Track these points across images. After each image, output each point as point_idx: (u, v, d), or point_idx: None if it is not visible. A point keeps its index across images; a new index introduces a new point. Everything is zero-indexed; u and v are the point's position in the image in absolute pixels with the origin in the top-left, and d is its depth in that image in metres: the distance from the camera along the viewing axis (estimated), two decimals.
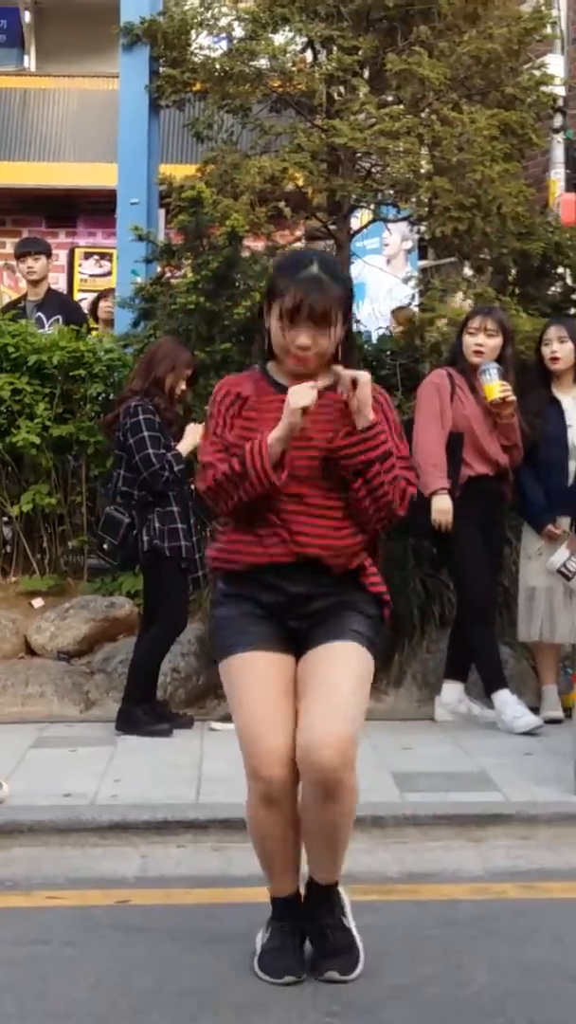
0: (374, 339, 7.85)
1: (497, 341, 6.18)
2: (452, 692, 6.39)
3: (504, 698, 6.10)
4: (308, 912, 3.45)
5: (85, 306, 9.30)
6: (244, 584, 3.42)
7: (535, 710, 6.22)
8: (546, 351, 6.40)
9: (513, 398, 6.10)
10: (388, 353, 7.55)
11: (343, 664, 3.33)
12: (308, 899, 3.46)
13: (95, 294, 9.69)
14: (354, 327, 3.85)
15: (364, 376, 3.34)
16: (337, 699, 3.25)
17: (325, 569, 3.38)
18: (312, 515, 3.37)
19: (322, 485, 3.37)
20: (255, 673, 3.34)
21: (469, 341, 6.21)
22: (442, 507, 6.03)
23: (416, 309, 7.89)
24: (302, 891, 3.48)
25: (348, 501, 3.37)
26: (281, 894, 3.46)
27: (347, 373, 3.33)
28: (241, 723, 3.33)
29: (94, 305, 9.21)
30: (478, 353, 6.17)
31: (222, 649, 3.43)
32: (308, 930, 3.45)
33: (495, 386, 6.06)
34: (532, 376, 6.53)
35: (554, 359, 6.37)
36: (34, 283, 8.31)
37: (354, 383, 3.32)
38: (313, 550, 3.35)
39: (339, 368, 3.35)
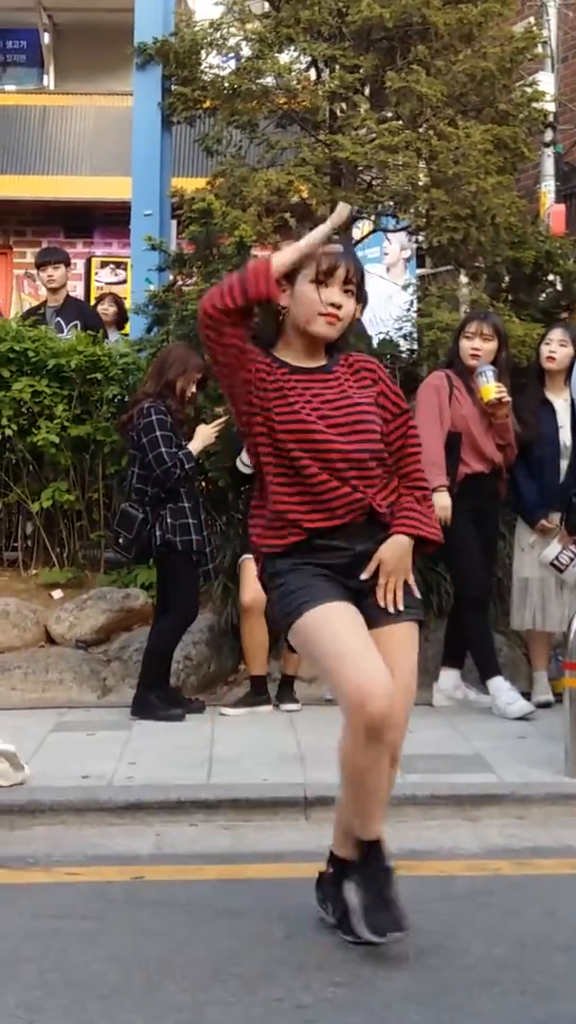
0: (375, 343, 7.84)
1: (493, 345, 6.17)
2: (449, 679, 6.39)
3: (498, 684, 6.10)
4: (319, 884, 3.54)
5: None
6: (302, 554, 3.38)
7: (527, 695, 6.23)
8: (544, 350, 6.40)
9: (508, 399, 6.09)
10: (388, 357, 7.55)
11: (408, 647, 3.41)
12: (320, 876, 3.54)
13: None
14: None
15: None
16: (405, 683, 3.35)
17: (383, 525, 3.42)
18: (364, 470, 3.39)
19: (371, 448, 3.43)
20: (340, 620, 3.29)
21: (466, 345, 6.20)
22: (442, 503, 6.02)
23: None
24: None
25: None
26: (374, 836, 3.38)
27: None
28: (339, 664, 3.23)
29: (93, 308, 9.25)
30: (475, 356, 6.16)
31: (293, 612, 3.33)
32: (321, 900, 3.53)
33: (491, 388, 6.05)
34: (529, 377, 6.53)
35: (550, 358, 6.37)
36: (54, 291, 8.31)
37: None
38: (375, 503, 3.39)
39: None
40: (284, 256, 3.38)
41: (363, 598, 3.40)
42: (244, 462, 6.07)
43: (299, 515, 3.37)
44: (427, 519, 3.51)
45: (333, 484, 3.36)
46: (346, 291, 3.40)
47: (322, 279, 3.37)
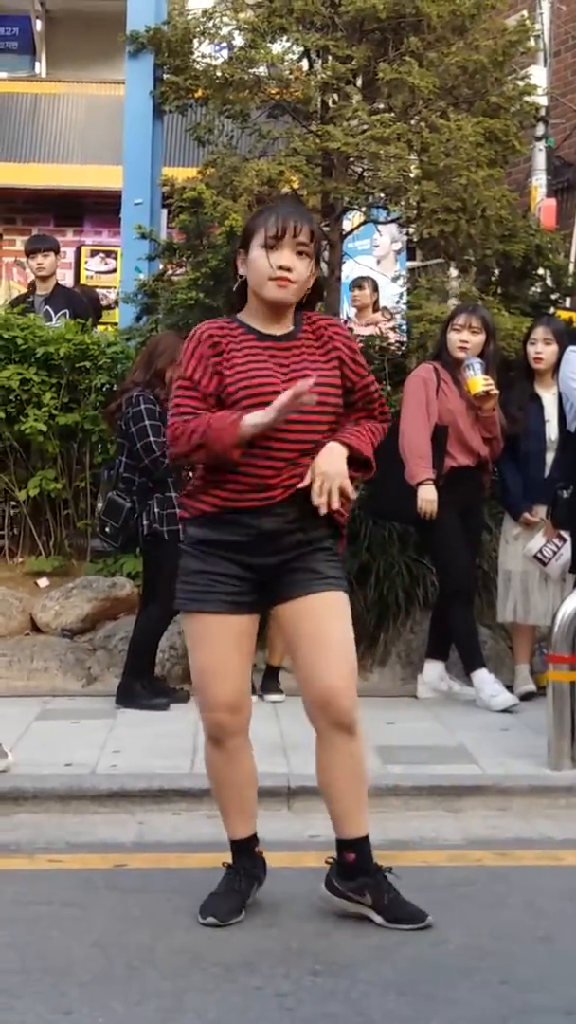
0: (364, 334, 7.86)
1: (481, 338, 6.18)
2: (433, 670, 6.40)
3: (482, 677, 6.11)
4: (366, 870, 3.52)
5: None
6: (205, 526, 3.42)
7: (510, 687, 6.25)
8: (531, 350, 6.41)
9: (495, 392, 6.10)
10: (376, 348, 7.56)
11: (334, 614, 3.44)
12: (360, 862, 3.52)
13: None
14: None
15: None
16: (340, 649, 3.42)
17: (298, 504, 3.40)
18: (290, 453, 3.37)
19: (314, 424, 3.41)
20: (210, 637, 3.44)
21: (454, 338, 6.20)
22: (428, 496, 6.04)
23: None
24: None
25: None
26: (232, 836, 3.63)
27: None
28: (193, 668, 3.53)
29: None
30: (462, 349, 6.16)
31: (186, 600, 3.47)
32: (373, 890, 3.51)
33: (478, 380, 6.06)
34: (517, 372, 6.55)
35: (538, 359, 6.38)
36: (43, 279, 8.29)
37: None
38: (296, 484, 3.38)
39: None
40: (251, 420, 3.28)
41: (273, 577, 3.42)
42: None
43: (229, 489, 3.38)
44: (366, 440, 3.49)
45: (269, 465, 3.36)
46: (299, 253, 3.38)
47: (271, 243, 3.37)
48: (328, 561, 3.46)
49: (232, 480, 3.37)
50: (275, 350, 3.43)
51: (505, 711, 5.97)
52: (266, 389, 3.34)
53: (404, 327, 7.92)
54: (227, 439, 3.29)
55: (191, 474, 3.52)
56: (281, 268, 3.36)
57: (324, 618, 3.43)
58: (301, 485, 3.37)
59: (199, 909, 3.55)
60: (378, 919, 3.50)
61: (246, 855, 3.63)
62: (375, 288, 9.41)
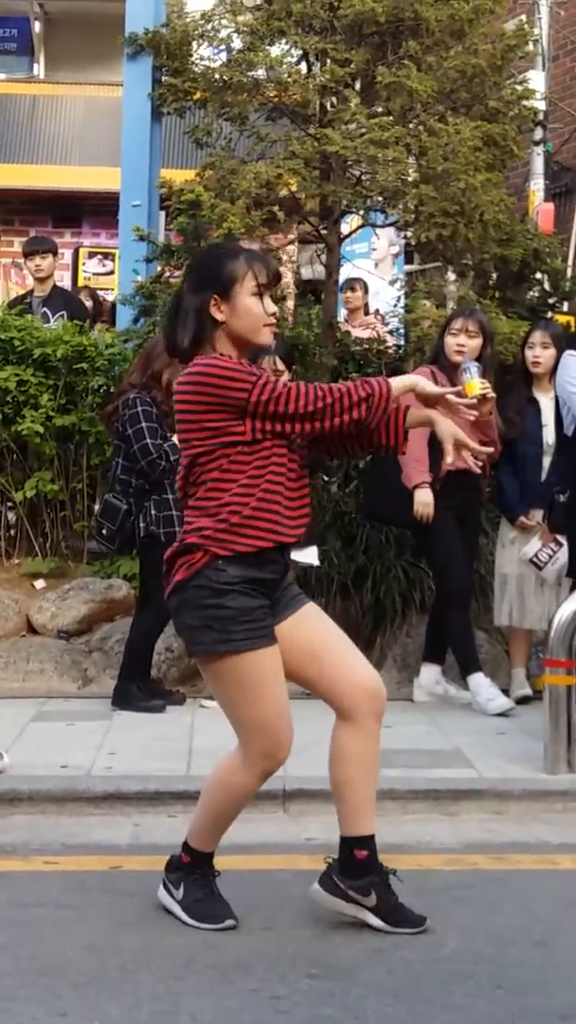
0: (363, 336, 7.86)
1: (478, 342, 6.18)
2: (430, 674, 6.40)
3: (479, 680, 6.11)
4: (376, 869, 3.52)
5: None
6: (251, 565, 3.38)
7: (507, 691, 6.25)
8: (529, 354, 6.42)
9: (492, 395, 6.09)
10: (374, 352, 7.56)
11: (326, 617, 3.60)
12: (371, 860, 3.51)
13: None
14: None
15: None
16: (350, 643, 3.56)
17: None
18: (304, 489, 3.49)
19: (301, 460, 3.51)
20: (276, 668, 3.41)
21: (451, 341, 6.20)
22: (424, 500, 6.04)
23: None
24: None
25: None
26: (211, 850, 3.61)
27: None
28: (262, 713, 3.40)
29: None
30: (459, 352, 6.16)
31: (251, 639, 3.36)
32: (380, 890, 3.50)
33: (475, 383, 6.03)
34: (514, 376, 6.54)
35: (535, 363, 6.39)
36: (41, 280, 8.29)
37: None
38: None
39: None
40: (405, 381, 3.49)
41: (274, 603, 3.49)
42: None
43: (278, 523, 3.39)
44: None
45: (304, 493, 3.48)
46: (271, 296, 3.53)
47: (263, 291, 3.45)
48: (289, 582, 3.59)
49: (285, 513, 3.39)
50: None
51: (501, 715, 5.97)
52: None
53: (401, 331, 7.91)
54: (386, 389, 3.39)
55: (223, 513, 3.36)
56: (273, 315, 3.48)
57: (327, 623, 3.56)
58: (450, 460, 3.62)
59: (198, 919, 3.51)
60: (375, 922, 3.49)
61: (208, 865, 3.62)
62: (366, 290, 9.42)
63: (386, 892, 3.51)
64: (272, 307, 3.48)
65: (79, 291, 9.17)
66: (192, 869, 3.59)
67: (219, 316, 3.44)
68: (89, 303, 9.09)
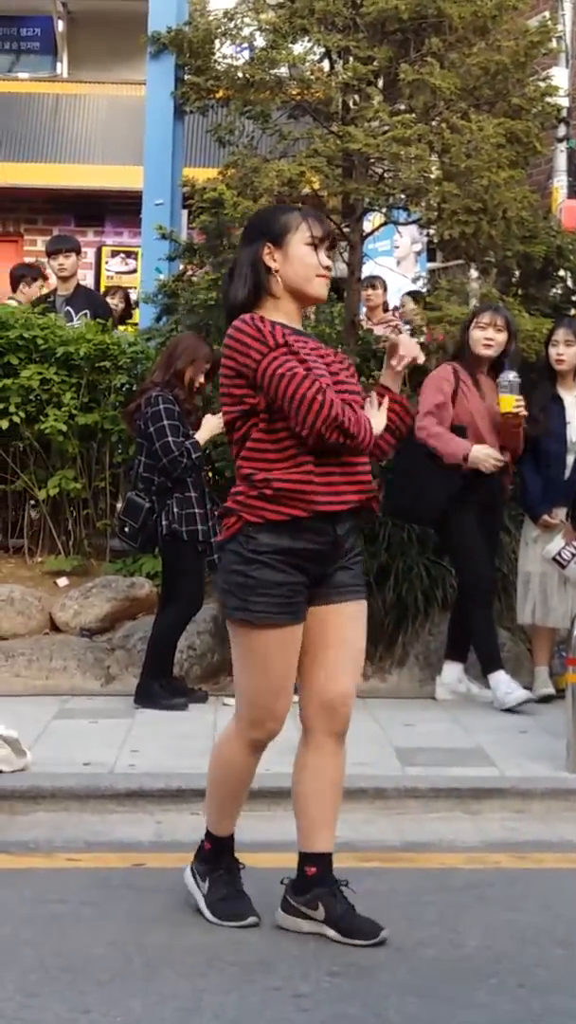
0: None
1: (504, 336, 6.17)
2: (452, 672, 6.39)
3: (499, 677, 6.10)
4: (323, 882, 3.46)
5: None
6: (284, 534, 3.32)
7: (530, 689, 6.24)
8: (552, 352, 6.40)
9: (524, 414, 6.09)
10: None
11: (361, 624, 3.50)
12: (319, 875, 3.46)
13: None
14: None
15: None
16: (358, 659, 3.51)
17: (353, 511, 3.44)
18: (360, 455, 3.44)
19: None
20: (288, 646, 3.38)
21: (478, 335, 6.18)
22: (482, 455, 6.02)
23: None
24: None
25: None
26: (227, 832, 3.58)
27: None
28: (261, 684, 3.40)
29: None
30: (487, 346, 6.15)
31: (268, 613, 3.33)
32: (327, 900, 3.44)
33: (511, 399, 6.04)
34: (538, 374, 6.53)
35: (559, 360, 6.37)
36: (64, 279, 8.31)
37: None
38: (372, 491, 3.45)
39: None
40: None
41: (324, 579, 3.41)
42: None
43: (312, 491, 3.30)
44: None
45: (360, 458, 3.43)
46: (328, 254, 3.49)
47: (317, 243, 3.44)
48: (357, 567, 3.51)
49: (320, 480, 3.31)
50: (314, 344, 3.50)
51: (514, 710, 5.94)
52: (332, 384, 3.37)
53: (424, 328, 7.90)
54: (367, 440, 3.39)
55: (257, 479, 3.33)
56: (327, 268, 3.45)
57: (350, 627, 3.47)
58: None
59: (221, 917, 3.49)
60: (331, 933, 3.42)
61: (230, 852, 3.60)
62: (386, 288, 9.41)
63: (333, 902, 3.44)
64: (327, 260, 3.46)
65: (112, 292, 9.16)
66: (216, 858, 3.57)
67: (273, 264, 3.44)
68: (122, 305, 9.08)
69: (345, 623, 3.45)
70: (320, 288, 3.46)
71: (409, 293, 9.22)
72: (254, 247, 3.46)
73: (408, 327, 8.18)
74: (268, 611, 3.33)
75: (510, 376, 6.05)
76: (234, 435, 3.42)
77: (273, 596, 3.33)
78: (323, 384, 3.30)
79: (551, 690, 6.27)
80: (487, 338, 6.15)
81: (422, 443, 6.05)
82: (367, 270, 8.58)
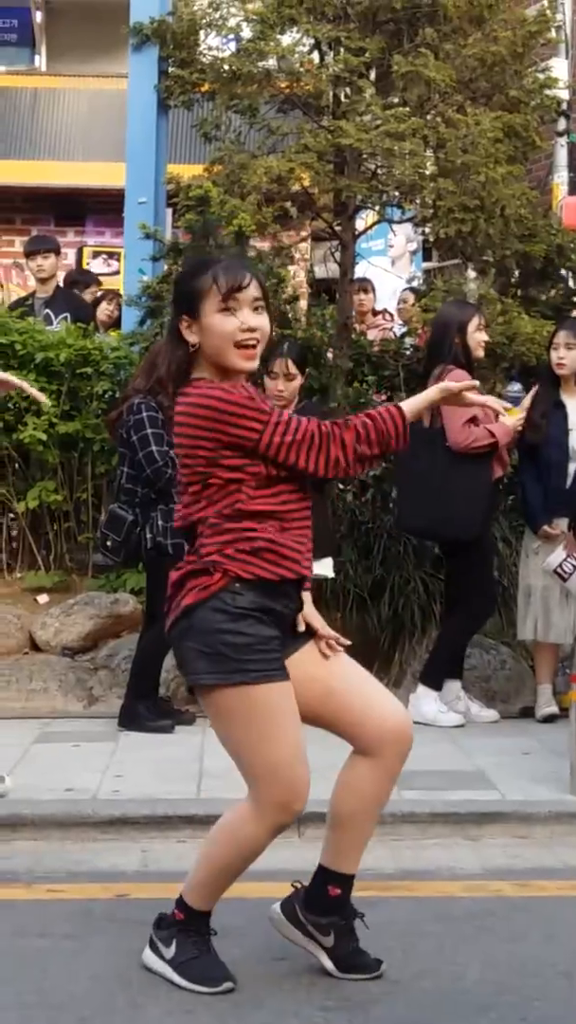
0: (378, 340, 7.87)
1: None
2: (449, 690, 6.40)
3: (449, 688, 6.25)
4: (343, 909, 3.42)
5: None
6: (268, 594, 3.26)
7: (531, 709, 6.27)
8: (553, 356, 6.44)
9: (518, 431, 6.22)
10: (391, 354, 7.57)
11: (343, 656, 3.44)
12: (342, 899, 3.42)
13: (99, 293, 9.65)
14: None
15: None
16: (375, 683, 3.45)
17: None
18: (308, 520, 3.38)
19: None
20: (290, 705, 3.25)
21: (479, 338, 6.29)
22: (513, 422, 6.13)
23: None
24: None
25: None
26: (208, 908, 3.41)
27: None
28: (276, 756, 3.22)
29: (94, 305, 9.20)
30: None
31: (265, 672, 3.21)
32: (341, 933, 3.41)
33: (517, 411, 6.17)
34: (540, 378, 6.56)
35: (560, 364, 6.40)
36: (43, 281, 8.32)
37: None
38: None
39: None
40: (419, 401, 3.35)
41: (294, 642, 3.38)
42: None
43: (299, 552, 3.29)
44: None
45: (309, 524, 3.36)
46: (256, 308, 3.23)
47: (230, 306, 3.20)
48: None
49: (296, 547, 3.28)
50: None
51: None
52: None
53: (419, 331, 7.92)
54: (399, 426, 3.25)
55: (243, 537, 3.25)
56: (248, 329, 3.20)
57: (341, 657, 3.41)
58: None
59: (192, 980, 3.32)
60: (327, 964, 3.40)
61: (206, 923, 3.42)
62: (374, 290, 9.44)
63: (345, 937, 3.41)
64: (251, 320, 3.20)
65: (109, 297, 9.14)
66: (187, 927, 3.41)
67: (191, 339, 3.25)
68: (117, 312, 9.05)
69: (330, 656, 3.40)
70: (240, 360, 3.22)
71: (410, 288, 9.25)
72: (174, 321, 3.30)
73: (403, 327, 8.23)
74: (267, 668, 3.21)
75: (515, 388, 6.16)
76: (205, 494, 3.26)
77: (269, 651, 3.24)
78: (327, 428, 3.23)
79: (555, 709, 6.27)
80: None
81: (464, 452, 6.06)
82: (360, 271, 8.60)
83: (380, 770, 3.35)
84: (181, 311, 3.28)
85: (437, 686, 6.23)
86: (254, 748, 3.24)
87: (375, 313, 9.20)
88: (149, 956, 3.45)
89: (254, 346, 3.23)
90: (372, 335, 8.24)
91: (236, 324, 3.20)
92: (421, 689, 6.23)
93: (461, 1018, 3.16)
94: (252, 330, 3.21)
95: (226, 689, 3.21)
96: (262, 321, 3.24)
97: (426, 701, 6.17)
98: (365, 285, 9.26)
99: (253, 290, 3.23)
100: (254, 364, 3.27)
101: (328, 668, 3.38)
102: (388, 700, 3.40)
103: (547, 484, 6.35)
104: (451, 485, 6.01)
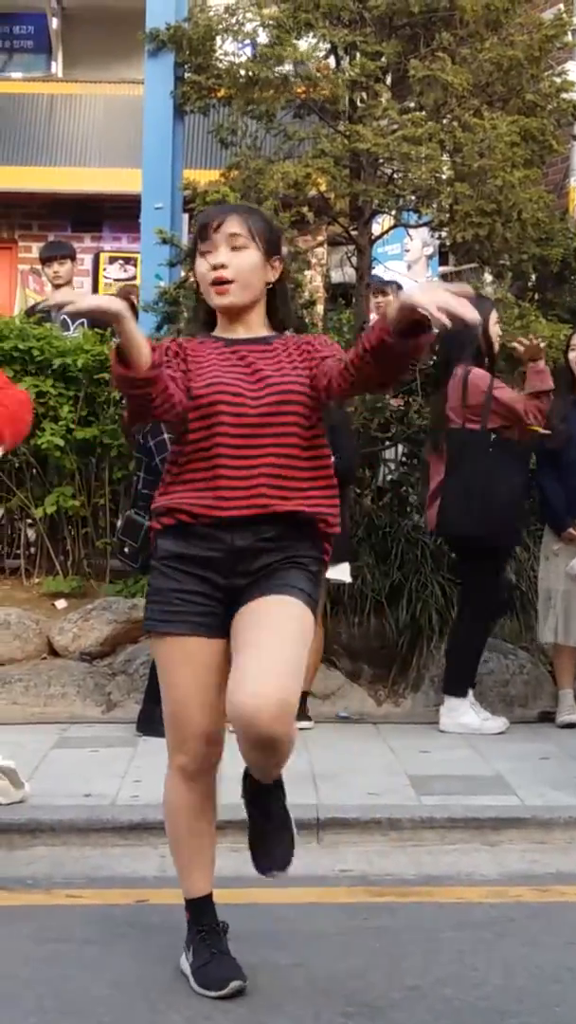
0: None
1: None
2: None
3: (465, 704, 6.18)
4: (251, 798, 3.36)
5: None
6: (178, 538, 3.24)
7: (551, 714, 6.24)
8: (572, 358, 6.47)
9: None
10: None
11: (276, 621, 3.14)
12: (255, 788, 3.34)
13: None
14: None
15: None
16: (270, 659, 3.06)
17: (282, 523, 3.21)
18: (276, 467, 3.20)
19: (285, 430, 3.21)
20: (185, 659, 3.24)
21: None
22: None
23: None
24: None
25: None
26: (200, 893, 3.41)
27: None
28: (169, 699, 3.29)
29: None
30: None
31: (155, 621, 3.28)
32: (250, 813, 3.36)
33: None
34: (558, 381, 6.55)
35: None
36: (59, 287, 8.34)
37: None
38: (279, 506, 3.19)
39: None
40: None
41: (239, 594, 3.23)
42: None
43: (196, 494, 3.21)
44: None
45: (243, 466, 3.18)
46: (234, 248, 3.22)
47: (203, 249, 3.23)
48: (299, 574, 3.24)
49: (208, 486, 3.19)
50: (245, 352, 3.27)
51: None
52: (231, 389, 3.19)
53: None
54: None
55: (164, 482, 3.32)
56: (215, 267, 3.22)
57: (265, 622, 3.14)
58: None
59: (203, 985, 3.31)
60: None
61: (209, 913, 3.42)
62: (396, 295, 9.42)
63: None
64: (216, 257, 3.21)
65: (125, 297, 9.14)
66: (196, 925, 3.41)
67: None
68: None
69: (251, 619, 3.15)
70: (214, 297, 3.25)
71: None
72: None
73: None
74: (159, 619, 3.26)
75: None
76: None
77: (164, 603, 3.25)
78: None
79: (575, 717, 6.25)
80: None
81: (532, 425, 6.07)
82: (376, 275, 8.60)
83: (240, 740, 3.17)
84: (192, 258, 3.36)
85: (462, 692, 6.18)
86: (163, 690, 3.34)
87: None
88: (182, 961, 3.48)
89: (224, 282, 3.23)
90: None
91: (207, 264, 3.24)
92: (451, 701, 6.17)
93: None
94: (219, 267, 3.22)
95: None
96: (234, 257, 3.23)
97: (463, 712, 6.12)
98: (385, 288, 9.26)
99: (230, 226, 3.23)
100: (226, 300, 3.25)
101: (243, 629, 3.17)
102: (252, 680, 3.02)
103: (568, 485, 6.33)
104: (497, 489, 6.00)
